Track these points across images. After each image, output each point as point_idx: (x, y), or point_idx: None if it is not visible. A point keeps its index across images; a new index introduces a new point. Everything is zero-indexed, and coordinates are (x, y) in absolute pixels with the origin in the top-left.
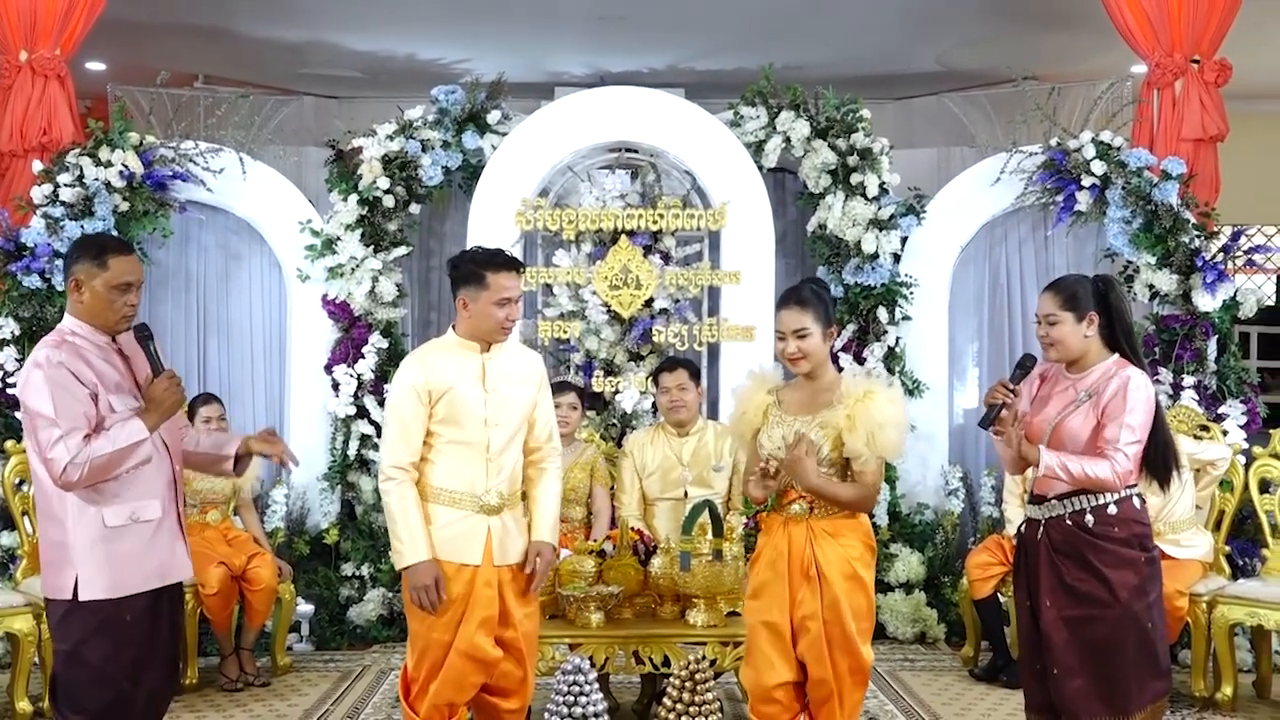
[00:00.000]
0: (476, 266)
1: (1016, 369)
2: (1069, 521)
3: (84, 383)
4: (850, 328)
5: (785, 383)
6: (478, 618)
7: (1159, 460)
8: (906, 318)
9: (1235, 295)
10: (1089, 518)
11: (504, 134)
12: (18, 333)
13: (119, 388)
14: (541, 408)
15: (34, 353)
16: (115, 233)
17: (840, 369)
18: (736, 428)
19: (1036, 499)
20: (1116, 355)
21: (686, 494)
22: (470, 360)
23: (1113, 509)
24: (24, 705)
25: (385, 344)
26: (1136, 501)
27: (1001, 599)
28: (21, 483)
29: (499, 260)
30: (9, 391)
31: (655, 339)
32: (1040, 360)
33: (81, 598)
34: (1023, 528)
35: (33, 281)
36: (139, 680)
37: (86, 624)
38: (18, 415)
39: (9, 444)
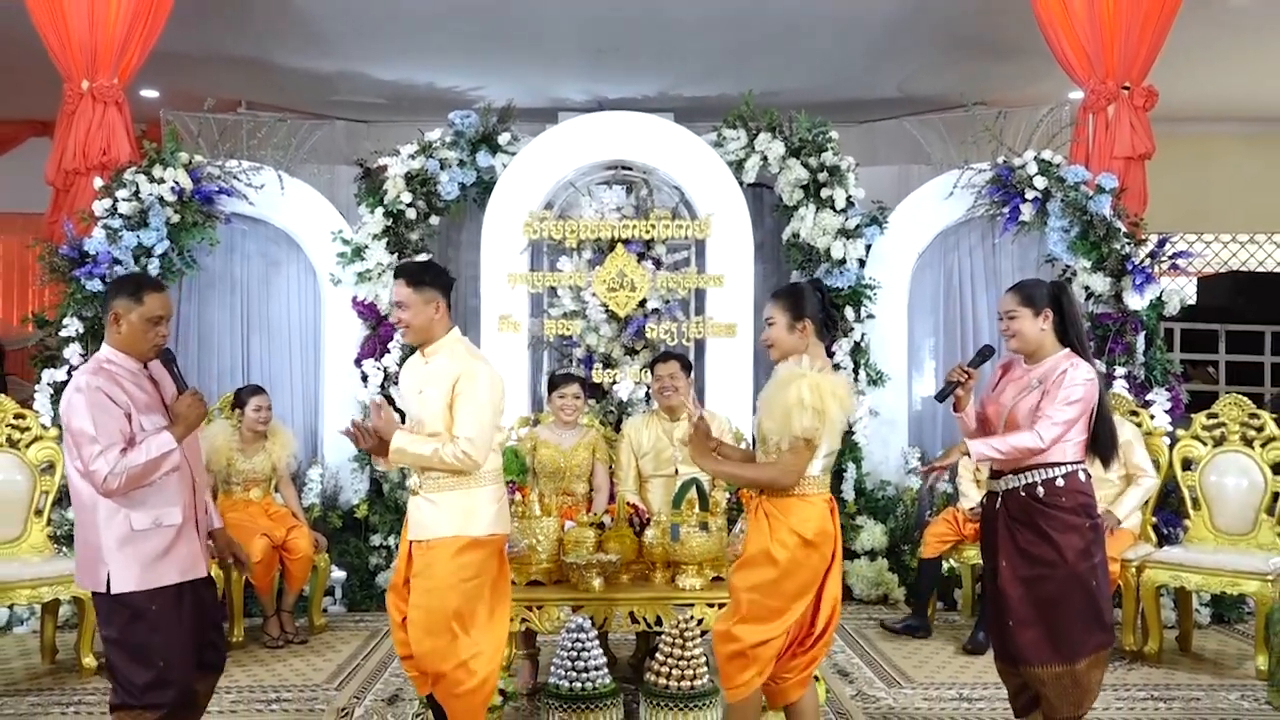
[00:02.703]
0: None
1: (976, 355)
2: (1023, 493)
3: (118, 404)
4: None
5: None
6: (392, 579)
7: (1104, 442)
8: (871, 316)
9: (1161, 296)
10: (1040, 489)
11: (513, 154)
12: (81, 330)
13: (149, 408)
14: (457, 411)
15: (75, 378)
16: (168, 241)
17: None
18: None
19: (996, 474)
20: (1067, 350)
21: (677, 472)
22: (414, 365)
23: (1060, 482)
24: (89, 661)
25: None
26: (1082, 475)
27: (945, 565)
28: None
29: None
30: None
31: (648, 335)
32: (1002, 352)
33: (114, 591)
34: (984, 500)
35: (94, 285)
36: (171, 661)
37: (123, 615)
38: None
39: None
